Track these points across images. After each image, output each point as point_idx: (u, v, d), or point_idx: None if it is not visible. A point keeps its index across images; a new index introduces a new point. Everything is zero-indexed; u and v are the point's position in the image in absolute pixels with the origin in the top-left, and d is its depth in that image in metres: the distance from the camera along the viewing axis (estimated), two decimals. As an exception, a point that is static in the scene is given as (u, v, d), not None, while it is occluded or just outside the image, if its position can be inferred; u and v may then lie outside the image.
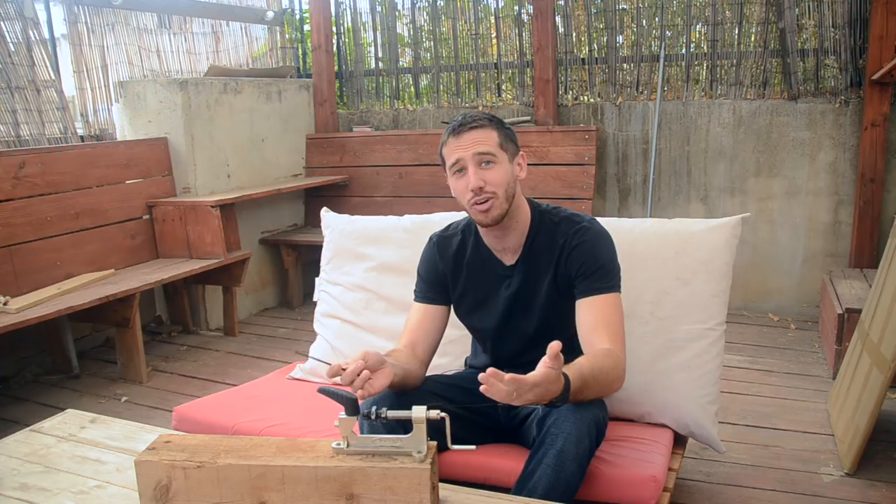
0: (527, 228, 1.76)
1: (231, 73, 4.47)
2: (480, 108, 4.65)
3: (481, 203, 1.66)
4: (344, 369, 1.40)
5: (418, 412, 1.21)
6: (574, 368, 1.45)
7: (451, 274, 1.82)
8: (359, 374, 1.40)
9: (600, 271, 1.67)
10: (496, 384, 1.29)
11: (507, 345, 1.80)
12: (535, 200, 1.81)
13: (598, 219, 1.84)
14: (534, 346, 1.75)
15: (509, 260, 1.78)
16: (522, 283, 1.75)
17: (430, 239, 1.88)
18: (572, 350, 1.67)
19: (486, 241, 1.79)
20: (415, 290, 1.87)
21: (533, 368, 1.32)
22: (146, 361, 3.40)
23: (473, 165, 1.65)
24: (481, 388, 1.30)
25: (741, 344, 3.59)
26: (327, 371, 1.41)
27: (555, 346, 1.32)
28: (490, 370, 1.29)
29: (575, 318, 1.70)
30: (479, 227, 1.78)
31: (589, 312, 1.65)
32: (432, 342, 1.80)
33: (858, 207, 3.84)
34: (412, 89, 5.00)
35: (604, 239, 1.72)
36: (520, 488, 1.50)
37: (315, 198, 4.78)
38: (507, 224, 1.72)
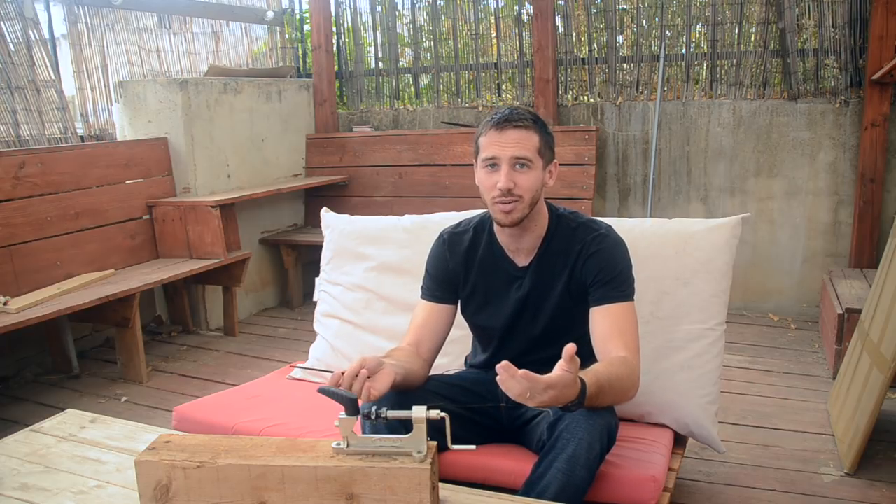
0: (543, 231, 1.75)
1: (231, 73, 4.47)
2: (480, 108, 4.65)
3: (505, 203, 1.65)
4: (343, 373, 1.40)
5: (418, 412, 1.21)
6: (590, 374, 1.45)
7: (461, 271, 1.81)
8: (356, 376, 1.39)
9: (616, 279, 1.67)
10: (509, 380, 1.28)
11: (512, 345, 1.80)
12: (554, 204, 1.80)
13: (598, 219, 1.84)
14: (538, 348, 1.75)
15: (522, 261, 1.77)
16: (534, 286, 1.74)
17: (441, 235, 1.87)
18: (577, 354, 1.67)
19: (501, 239, 1.78)
20: (422, 287, 1.85)
21: (535, 370, 1.31)
22: (146, 361, 3.40)
23: (507, 166, 1.64)
24: (497, 379, 1.29)
25: (741, 344, 3.59)
26: (329, 380, 1.40)
27: (570, 348, 1.30)
28: (504, 363, 1.28)
29: (582, 322, 1.69)
30: (495, 225, 1.77)
31: (604, 321, 1.64)
32: (437, 341, 1.79)
33: (858, 207, 3.84)
34: (412, 89, 5.00)
35: (620, 247, 1.72)
36: (528, 491, 1.49)
37: (315, 198, 4.78)
38: (524, 225, 1.71)
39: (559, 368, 1.31)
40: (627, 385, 1.56)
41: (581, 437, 1.46)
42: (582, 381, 1.39)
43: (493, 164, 1.66)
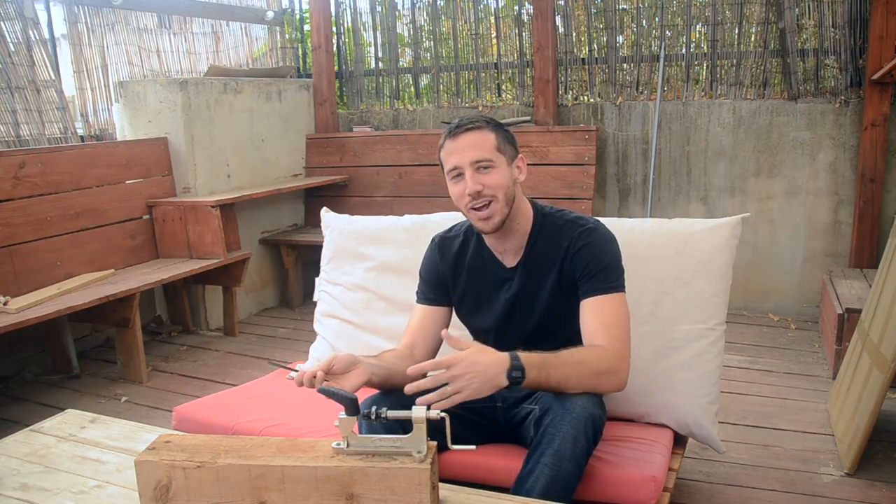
0: (528, 230, 1.76)
1: (231, 73, 4.47)
2: (480, 108, 4.65)
3: (480, 209, 1.66)
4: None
5: (418, 412, 1.21)
6: (525, 352, 1.50)
7: (451, 275, 1.82)
8: (314, 377, 1.43)
9: (605, 271, 1.67)
10: (421, 388, 1.39)
11: (507, 345, 1.80)
12: (538, 202, 1.81)
13: (598, 219, 1.84)
14: (533, 346, 1.74)
15: (510, 262, 1.78)
16: (523, 286, 1.75)
17: (433, 240, 1.89)
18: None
19: (488, 242, 1.80)
20: (416, 292, 1.88)
21: None
22: (146, 361, 3.40)
23: (471, 170, 1.65)
24: (417, 401, 1.36)
25: (741, 344, 3.59)
26: (296, 378, 1.46)
27: (443, 333, 1.48)
28: (408, 387, 1.40)
29: (575, 318, 1.69)
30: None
31: (592, 313, 1.65)
32: (433, 343, 1.80)
33: (858, 207, 3.83)
34: (412, 89, 5.00)
35: (609, 240, 1.72)
36: (518, 488, 1.50)
37: (315, 198, 4.78)
38: (508, 226, 1.72)
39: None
40: (598, 367, 1.55)
41: (565, 432, 1.47)
42: (510, 353, 1.47)
43: (457, 173, 1.68)
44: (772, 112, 4.02)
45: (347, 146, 4.80)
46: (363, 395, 1.57)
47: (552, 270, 1.72)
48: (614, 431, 1.84)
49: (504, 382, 1.44)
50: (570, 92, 4.48)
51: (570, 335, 1.73)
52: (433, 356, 1.80)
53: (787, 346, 3.61)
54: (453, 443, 1.25)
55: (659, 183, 4.27)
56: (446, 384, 1.40)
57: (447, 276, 1.82)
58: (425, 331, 1.79)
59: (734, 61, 4.14)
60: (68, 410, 1.82)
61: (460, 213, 2.06)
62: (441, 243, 1.86)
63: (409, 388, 1.39)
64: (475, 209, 1.67)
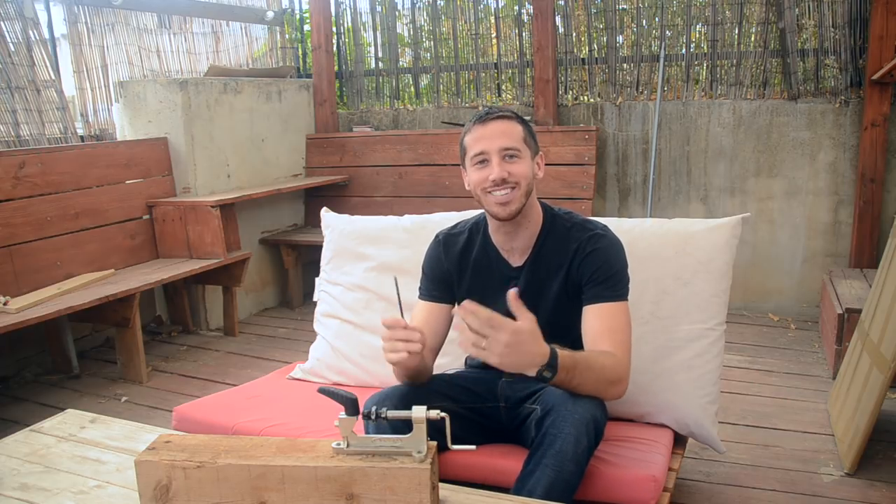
0: (538, 230, 1.76)
1: (231, 73, 4.47)
2: (481, 108, 4.65)
3: (501, 192, 1.65)
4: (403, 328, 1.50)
5: (418, 412, 1.21)
6: (564, 350, 1.48)
7: (455, 272, 1.81)
8: (410, 339, 1.48)
9: (612, 279, 1.67)
10: (469, 320, 1.38)
11: None
12: (549, 204, 1.81)
13: (598, 219, 1.84)
14: None
15: (517, 261, 1.77)
16: (528, 285, 1.75)
17: (437, 236, 1.88)
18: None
19: (495, 239, 1.79)
20: (419, 288, 1.87)
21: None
22: (146, 361, 3.40)
23: (498, 157, 1.65)
24: (459, 343, 1.40)
25: (741, 344, 3.59)
26: (387, 320, 1.50)
27: (511, 293, 1.42)
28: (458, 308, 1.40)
29: (580, 321, 1.69)
30: (490, 222, 1.77)
31: (596, 319, 1.65)
32: (438, 341, 1.80)
33: (858, 207, 3.84)
34: (412, 89, 5.00)
35: (617, 247, 1.72)
36: (519, 488, 1.50)
37: (315, 198, 4.79)
38: (519, 222, 1.72)
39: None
40: (611, 376, 1.56)
41: (567, 432, 1.47)
42: (552, 348, 1.44)
43: (482, 159, 1.68)
44: (772, 112, 4.02)
45: (347, 146, 4.80)
46: (363, 396, 1.57)
47: (559, 272, 1.72)
48: (614, 431, 1.84)
49: (531, 373, 1.43)
50: (570, 92, 4.48)
51: (576, 337, 1.73)
52: (438, 352, 1.81)
53: (787, 346, 3.61)
54: (453, 443, 1.25)
55: (659, 183, 4.27)
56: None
57: (452, 272, 1.82)
58: (431, 328, 1.78)
59: (734, 61, 4.14)
60: (68, 410, 1.82)
61: (459, 215, 2.06)
62: (446, 240, 1.85)
63: (459, 310, 1.40)
64: (494, 193, 1.66)
